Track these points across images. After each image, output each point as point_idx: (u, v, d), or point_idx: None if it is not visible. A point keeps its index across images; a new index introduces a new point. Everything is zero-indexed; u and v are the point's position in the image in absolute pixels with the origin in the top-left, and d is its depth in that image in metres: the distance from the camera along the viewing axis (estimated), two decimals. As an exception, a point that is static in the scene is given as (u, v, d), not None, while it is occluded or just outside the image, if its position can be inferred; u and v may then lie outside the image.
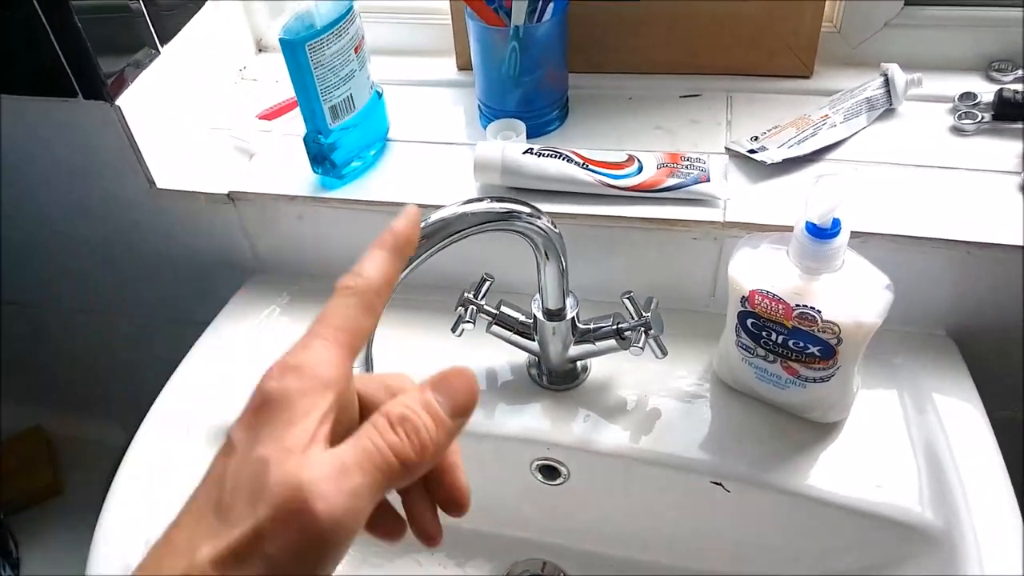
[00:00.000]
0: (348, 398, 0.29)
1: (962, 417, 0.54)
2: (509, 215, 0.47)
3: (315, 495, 0.24)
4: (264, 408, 0.26)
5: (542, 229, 0.48)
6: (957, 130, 0.62)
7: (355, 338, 0.28)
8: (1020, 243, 0.53)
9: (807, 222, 0.45)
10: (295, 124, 0.70)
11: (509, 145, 0.61)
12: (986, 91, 0.63)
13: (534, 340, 0.57)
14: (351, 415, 0.30)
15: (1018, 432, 0.60)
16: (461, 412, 0.28)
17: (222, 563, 0.24)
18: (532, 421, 0.58)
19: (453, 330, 0.57)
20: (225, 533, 0.24)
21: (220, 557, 0.24)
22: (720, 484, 0.54)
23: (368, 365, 0.43)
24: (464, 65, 0.74)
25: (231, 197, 0.66)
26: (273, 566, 0.24)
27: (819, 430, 0.54)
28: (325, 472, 0.25)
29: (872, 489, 0.51)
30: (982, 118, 0.61)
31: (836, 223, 0.45)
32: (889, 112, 0.64)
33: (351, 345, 0.28)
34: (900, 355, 0.58)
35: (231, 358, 0.64)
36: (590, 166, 0.59)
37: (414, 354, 0.62)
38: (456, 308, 0.57)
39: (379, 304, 0.30)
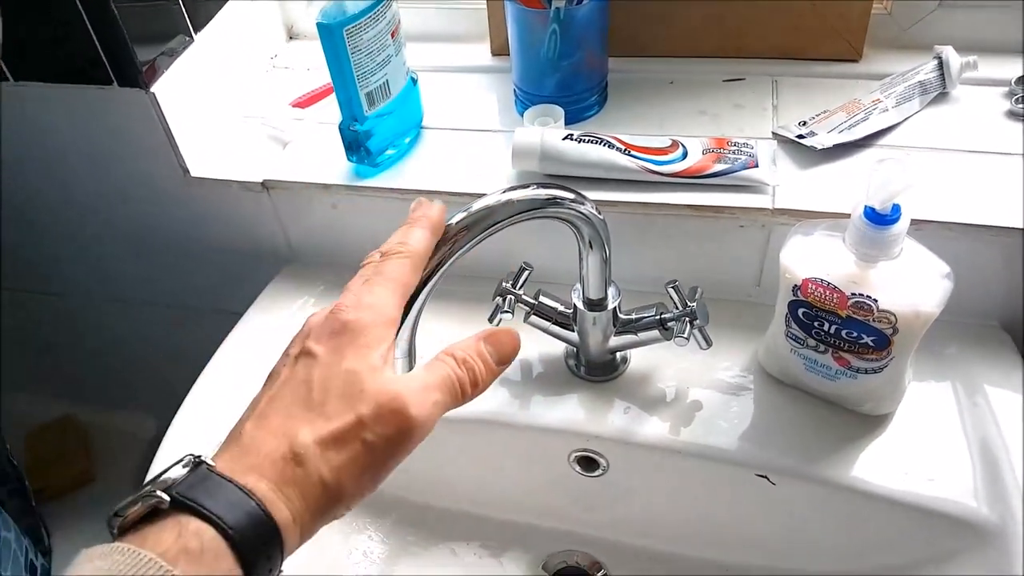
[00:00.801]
0: None
1: (1017, 411, 0.52)
2: (553, 201, 0.45)
3: (410, 401, 0.33)
4: (343, 333, 0.34)
5: (586, 215, 0.47)
6: (1013, 114, 0.60)
7: (407, 290, 0.37)
8: (1083, 231, 0.51)
9: (866, 207, 0.43)
10: (329, 112, 0.69)
11: (548, 131, 0.59)
12: (1044, 73, 0.60)
13: (573, 330, 0.56)
14: None
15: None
16: (504, 361, 0.38)
17: (324, 444, 0.31)
18: (570, 412, 0.57)
19: (491, 320, 0.56)
20: (323, 423, 0.31)
21: (323, 439, 0.31)
22: (765, 477, 0.52)
23: (412, 358, 0.43)
24: (498, 50, 0.72)
25: (265, 185, 0.65)
26: (369, 449, 0.31)
27: (869, 423, 0.53)
28: (415, 387, 0.33)
29: (924, 482, 0.49)
30: (1040, 101, 0.59)
31: (896, 208, 0.43)
32: (943, 96, 0.62)
33: (404, 295, 0.36)
34: (952, 346, 0.56)
35: (265, 349, 0.63)
36: (632, 152, 0.57)
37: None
38: (494, 298, 0.56)
39: (421, 269, 0.38)
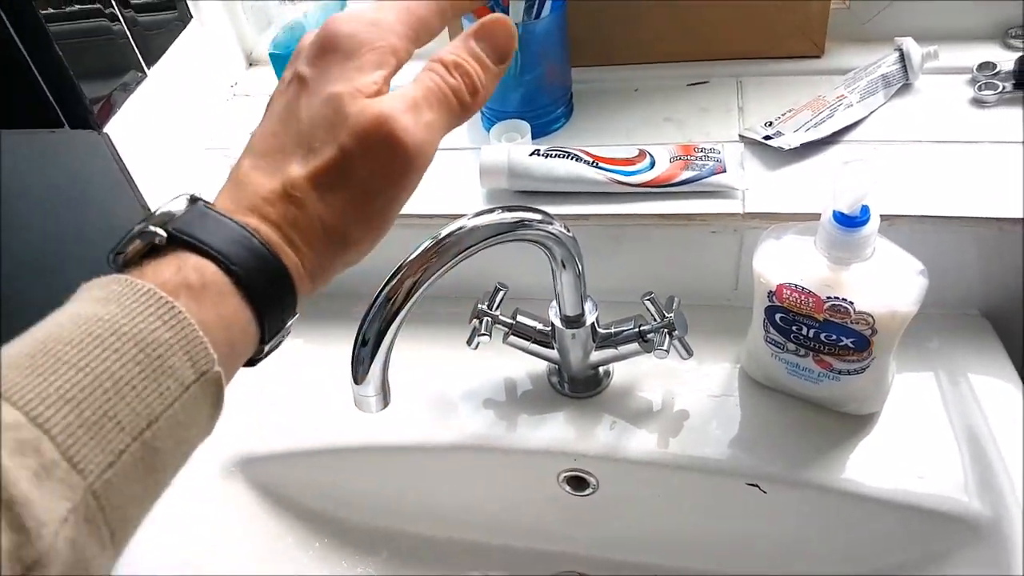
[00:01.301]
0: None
1: (1002, 399, 0.52)
2: (520, 224, 0.44)
3: (398, 126, 0.27)
4: (332, 50, 0.28)
5: (555, 235, 0.46)
6: (978, 102, 0.60)
7: (421, 31, 0.30)
8: (1054, 216, 0.51)
9: (834, 211, 0.43)
10: (291, 139, 0.68)
11: (515, 147, 0.59)
12: (1005, 59, 0.60)
13: (553, 348, 0.55)
14: None
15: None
16: (503, 58, 0.31)
17: (316, 182, 0.27)
18: (557, 431, 0.56)
19: (469, 343, 0.55)
20: (312, 158, 0.27)
21: (314, 176, 0.27)
22: (756, 485, 0.52)
23: (386, 393, 0.42)
24: (461, 66, 0.72)
25: (231, 219, 0.64)
26: (365, 188, 0.28)
27: (855, 423, 0.52)
28: (401, 106, 0.27)
29: (915, 480, 0.49)
30: (1003, 87, 0.59)
31: (865, 210, 0.43)
32: (906, 88, 0.62)
33: (417, 34, 0.30)
34: (934, 339, 0.56)
35: (242, 393, 0.62)
36: (600, 164, 0.57)
37: (430, 369, 0.61)
38: (470, 320, 0.55)
39: (439, 26, 0.31)
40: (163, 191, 0.66)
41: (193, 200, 0.27)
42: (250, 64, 0.79)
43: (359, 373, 0.43)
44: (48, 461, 0.21)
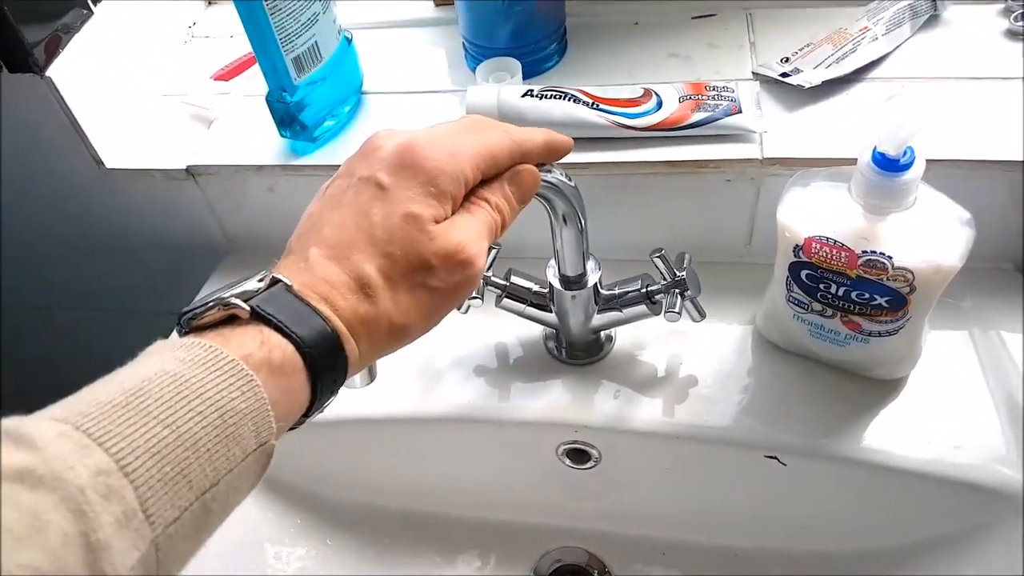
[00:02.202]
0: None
1: (1041, 360, 0.48)
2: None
3: (473, 251, 0.32)
4: (413, 168, 0.32)
5: (555, 184, 0.41)
6: (1012, 33, 0.54)
7: (491, 168, 0.35)
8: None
9: (875, 152, 0.38)
10: (257, 82, 0.61)
11: (504, 88, 0.53)
12: (1044, -15, 0.55)
13: (551, 312, 0.50)
14: None
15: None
16: (526, 201, 0.37)
17: (392, 283, 0.31)
18: (555, 401, 0.51)
19: (458, 308, 0.50)
20: (390, 264, 0.31)
21: (390, 277, 0.31)
22: (775, 457, 0.48)
23: (372, 370, 0.38)
24: (443, 1, 0.65)
25: (190, 172, 0.58)
26: (436, 294, 0.32)
27: (883, 388, 0.48)
28: (474, 236, 0.33)
29: (950, 450, 0.45)
30: (1042, 17, 0.54)
31: (910, 152, 0.38)
32: (934, 19, 0.56)
33: (487, 170, 0.34)
34: (967, 296, 0.51)
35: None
36: (601, 105, 0.51)
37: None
38: (460, 282, 0.50)
39: (506, 166, 0.36)
40: (117, 140, 0.60)
41: (274, 281, 0.30)
42: (210, 2, 0.72)
43: None
44: (129, 510, 0.23)
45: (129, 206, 0.63)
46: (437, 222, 0.32)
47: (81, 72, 0.57)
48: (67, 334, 0.82)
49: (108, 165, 0.59)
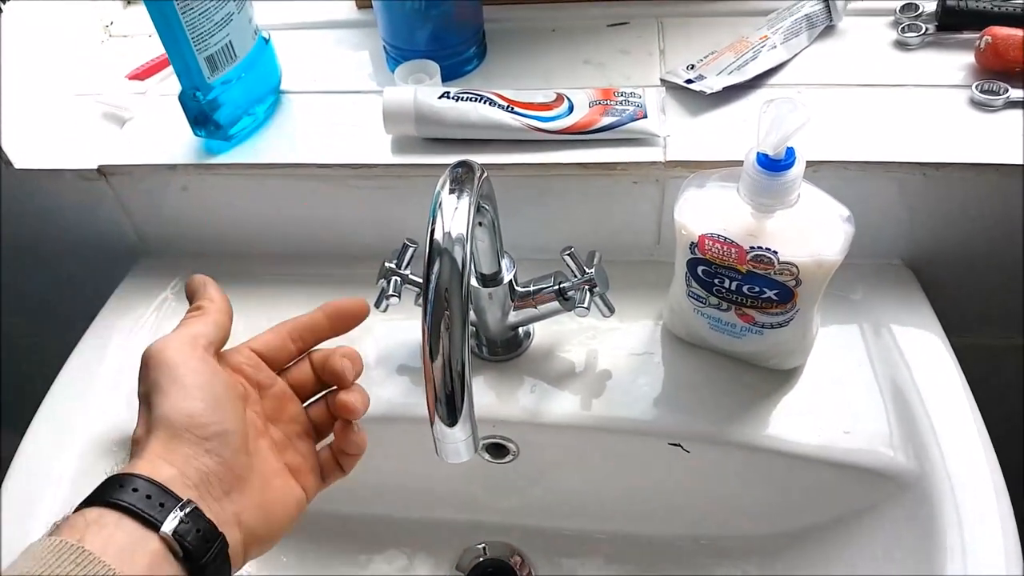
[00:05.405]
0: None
1: (926, 350, 0.51)
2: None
3: None
4: None
5: (471, 183, 0.42)
6: (901, 44, 0.58)
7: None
8: (977, 160, 0.50)
9: (759, 154, 0.40)
10: (173, 82, 0.61)
11: (422, 89, 0.54)
12: (927, 1, 0.59)
13: (469, 309, 0.51)
14: None
15: (982, 357, 0.58)
16: None
17: None
18: (475, 397, 0.52)
19: (377, 306, 0.50)
20: None
21: None
22: (679, 445, 0.50)
23: (475, 435, 0.41)
24: (364, 3, 0.66)
25: (102, 172, 0.57)
26: None
27: (779, 377, 0.51)
28: None
29: (839, 436, 0.48)
30: (926, 30, 0.57)
31: (790, 152, 0.40)
32: (830, 29, 0.60)
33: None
34: (858, 290, 0.54)
35: (120, 352, 0.56)
36: (516, 108, 0.52)
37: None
38: (378, 281, 0.50)
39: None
40: (27, 140, 0.58)
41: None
42: (128, 2, 0.71)
43: (453, 412, 0.38)
44: None
45: (38, 208, 0.62)
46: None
47: (-12, 69, 0.56)
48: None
49: (17, 165, 0.58)
